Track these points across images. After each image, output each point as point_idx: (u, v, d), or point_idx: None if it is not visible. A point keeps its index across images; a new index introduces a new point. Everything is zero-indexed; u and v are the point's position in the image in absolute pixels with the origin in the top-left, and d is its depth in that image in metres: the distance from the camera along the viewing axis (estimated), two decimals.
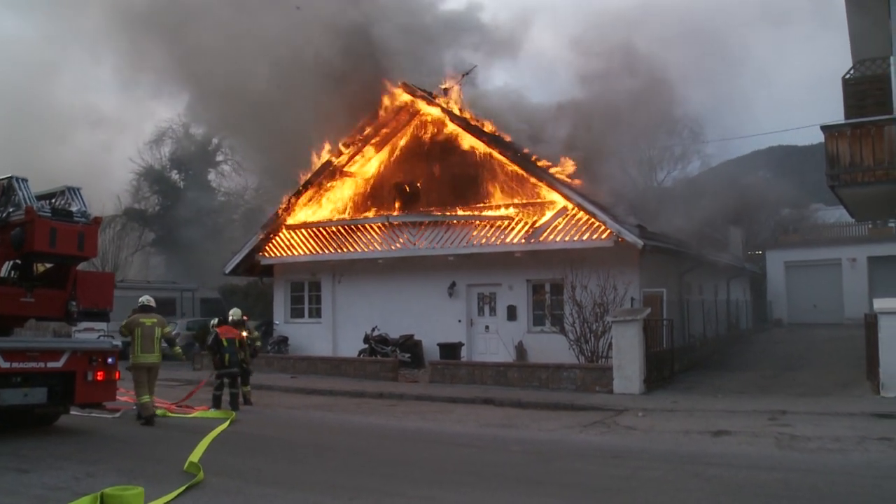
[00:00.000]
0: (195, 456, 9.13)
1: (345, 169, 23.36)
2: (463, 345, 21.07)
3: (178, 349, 14.26)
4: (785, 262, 40.73)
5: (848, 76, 17.02)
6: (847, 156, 15.82)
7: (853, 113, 16.47)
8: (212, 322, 16.55)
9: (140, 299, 13.70)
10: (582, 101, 22.96)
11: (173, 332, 26.81)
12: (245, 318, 15.95)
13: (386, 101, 22.13)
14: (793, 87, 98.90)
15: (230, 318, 15.78)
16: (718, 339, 26.00)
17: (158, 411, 13.89)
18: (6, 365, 10.20)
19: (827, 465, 8.82)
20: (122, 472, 8.48)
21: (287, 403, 16.23)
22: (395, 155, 23.04)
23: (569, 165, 20.13)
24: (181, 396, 16.15)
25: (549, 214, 19.68)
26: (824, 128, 16.29)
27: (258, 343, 16.62)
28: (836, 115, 17.37)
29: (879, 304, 14.24)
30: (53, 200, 11.73)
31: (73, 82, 52.97)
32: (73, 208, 11.45)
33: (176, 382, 19.65)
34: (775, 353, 24.44)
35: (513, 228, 20.12)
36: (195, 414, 14.08)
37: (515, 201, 20.50)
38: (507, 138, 21.04)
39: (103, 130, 56.32)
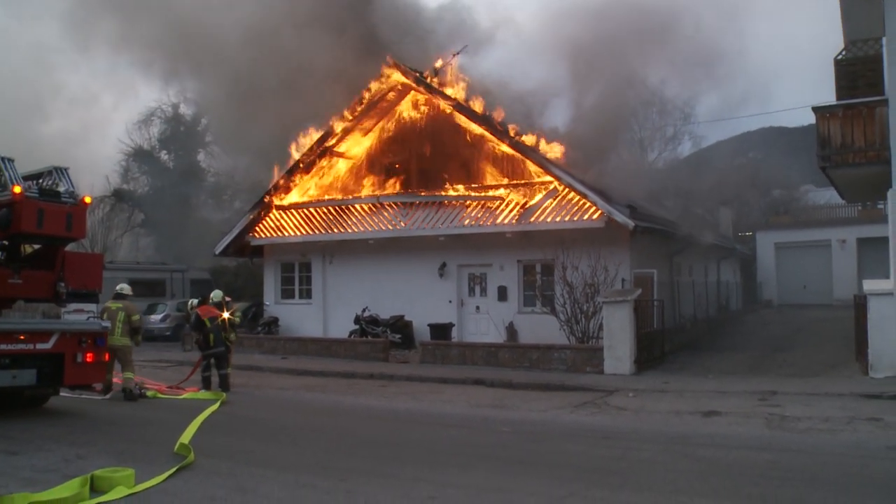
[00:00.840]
0: (186, 437, 9.10)
1: (335, 149, 23.24)
2: (454, 325, 21.08)
3: (138, 338, 14.28)
4: (775, 244, 40.86)
5: (840, 57, 16.98)
6: (838, 137, 15.83)
7: (845, 94, 16.45)
8: (190, 303, 16.51)
9: (116, 287, 14.29)
10: (577, 39, 22.47)
11: (164, 313, 27.23)
12: (227, 298, 15.82)
13: (377, 80, 21.96)
14: (785, 68, 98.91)
15: (211, 300, 15.68)
16: (708, 320, 26.10)
17: (149, 392, 13.91)
18: None
19: (817, 446, 8.87)
20: (113, 454, 8.45)
21: (278, 384, 16.22)
22: (385, 135, 22.93)
23: (560, 146, 20.09)
24: (172, 378, 16.14)
25: (540, 195, 19.64)
26: (816, 109, 16.27)
27: (237, 319, 16.53)
28: (828, 96, 17.38)
29: (869, 285, 14.29)
30: (41, 181, 11.59)
31: (60, 61, 52.45)
32: (61, 189, 11.32)
33: (166, 363, 19.65)
34: (765, 333, 24.58)
35: (504, 209, 20.08)
36: (185, 395, 14.05)
37: (506, 182, 20.46)
38: (499, 119, 20.96)
39: (90, 110, 55.77)
